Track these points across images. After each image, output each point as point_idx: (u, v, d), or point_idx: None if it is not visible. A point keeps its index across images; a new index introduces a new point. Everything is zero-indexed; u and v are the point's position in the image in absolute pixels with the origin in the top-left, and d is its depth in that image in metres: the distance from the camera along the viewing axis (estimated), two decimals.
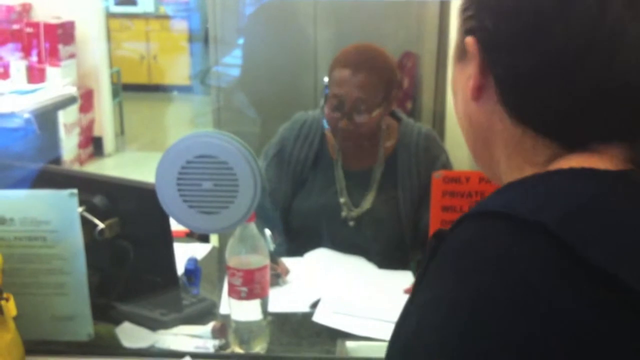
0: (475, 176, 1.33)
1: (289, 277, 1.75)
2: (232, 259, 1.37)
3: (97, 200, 1.43)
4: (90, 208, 1.41)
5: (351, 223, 1.94)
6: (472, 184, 1.33)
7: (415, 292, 0.67)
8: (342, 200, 1.95)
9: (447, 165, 1.96)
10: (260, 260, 1.38)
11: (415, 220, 1.91)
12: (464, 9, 0.75)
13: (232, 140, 1.28)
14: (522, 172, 0.70)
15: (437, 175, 1.34)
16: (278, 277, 1.71)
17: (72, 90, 4.01)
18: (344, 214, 1.94)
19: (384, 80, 1.88)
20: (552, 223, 0.59)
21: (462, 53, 0.75)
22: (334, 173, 1.97)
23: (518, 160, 0.72)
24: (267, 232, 1.85)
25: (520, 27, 0.68)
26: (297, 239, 1.97)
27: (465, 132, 0.79)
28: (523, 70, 0.68)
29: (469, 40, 0.72)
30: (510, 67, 0.69)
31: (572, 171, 0.66)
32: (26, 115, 3.21)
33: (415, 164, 1.93)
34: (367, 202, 1.94)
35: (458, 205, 1.33)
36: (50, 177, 1.55)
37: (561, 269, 0.57)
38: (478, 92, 0.73)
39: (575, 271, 0.57)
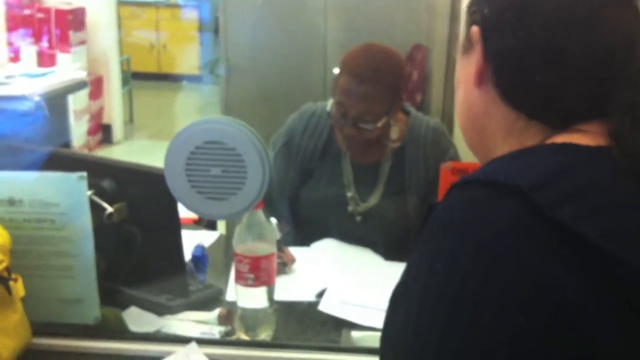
0: None
1: (295, 266, 1.75)
2: (240, 246, 1.37)
3: (106, 184, 1.43)
4: (99, 192, 1.42)
5: (358, 218, 1.94)
6: None
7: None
8: (349, 194, 1.94)
9: (455, 158, 1.95)
10: (267, 247, 1.38)
11: (422, 214, 1.91)
12: (470, 6, 0.82)
13: (241, 126, 1.28)
14: None
15: (446, 166, 1.34)
16: (284, 265, 1.72)
17: (83, 75, 4.02)
18: (350, 208, 1.94)
19: (390, 88, 1.85)
20: (526, 186, 0.64)
21: (466, 47, 0.81)
22: (342, 165, 1.96)
23: (512, 142, 0.77)
24: (274, 221, 1.86)
25: (508, 8, 0.75)
26: (303, 229, 1.97)
27: (464, 123, 0.84)
28: (511, 49, 0.75)
29: (474, 29, 0.78)
30: (500, 47, 0.75)
31: (551, 145, 0.72)
32: (36, 99, 3.22)
33: (423, 158, 1.92)
34: (375, 197, 1.94)
35: None
36: (60, 160, 1.55)
37: (531, 227, 0.63)
38: (480, 78, 0.78)
39: (544, 229, 0.62)
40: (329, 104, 1.92)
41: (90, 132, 5.84)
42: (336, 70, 1.92)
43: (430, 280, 0.65)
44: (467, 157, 2.26)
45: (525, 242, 0.62)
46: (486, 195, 0.66)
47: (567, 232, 0.62)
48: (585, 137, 0.72)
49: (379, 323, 1.46)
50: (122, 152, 6.03)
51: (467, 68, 0.80)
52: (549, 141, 0.73)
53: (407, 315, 0.66)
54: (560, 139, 0.72)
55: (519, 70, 0.75)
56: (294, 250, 1.80)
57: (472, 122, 0.82)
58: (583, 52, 0.72)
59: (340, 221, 1.93)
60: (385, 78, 1.84)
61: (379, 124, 1.84)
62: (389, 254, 1.84)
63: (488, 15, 0.77)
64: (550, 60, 0.73)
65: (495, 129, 0.78)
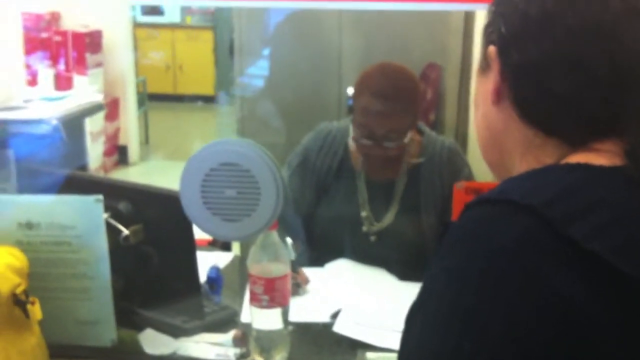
0: None
1: (309, 287, 1.75)
2: (254, 267, 1.38)
3: (122, 206, 1.45)
4: (115, 214, 1.43)
5: (372, 237, 1.94)
6: None
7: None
8: (363, 214, 1.94)
9: (469, 178, 1.95)
10: (281, 268, 1.38)
11: (438, 233, 1.90)
12: (486, 27, 0.82)
13: (255, 148, 1.29)
14: None
15: (459, 186, 1.34)
16: (298, 286, 1.72)
17: (99, 98, 4.07)
18: (365, 228, 1.94)
19: (411, 104, 1.87)
20: (538, 203, 0.65)
21: (484, 66, 0.82)
22: (357, 184, 1.97)
23: (530, 160, 0.77)
24: (289, 240, 1.86)
25: (526, 25, 0.75)
26: (318, 248, 1.97)
27: (483, 141, 0.85)
28: (530, 62, 0.74)
29: (491, 48, 0.79)
30: (519, 61, 0.75)
31: (566, 165, 0.73)
32: (54, 122, 3.26)
33: (438, 177, 1.92)
34: (389, 217, 1.94)
35: None
36: (77, 183, 1.57)
37: (540, 241, 0.64)
38: (498, 96, 0.79)
39: (554, 244, 0.63)
40: (348, 127, 1.93)
41: (107, 154, 5.89)
42: (350, 90, 1.94)
43: (444, 295, 0.66)
44: (482, 175, 2.26)
45: (533, 254, 0.64)
46: (499, 213, 0.67)
47: (576, 247, 0.63)
48: (600, 157, 0.72)
49: (394, 344, 1.46)
50: (138, 172, 6.06)
51: (484, 87, 0.81)
52: (564, 161, 0.73)
53: (422, 330, 0.68)
54: (575, 158, 0.73)
55: (537, 82, 0.75)
56: (308, 271, 1.80)
57: (491, 140, 0.83)
58: (605, 64, 0.72)
59: (354, 240, 1.93)
60: (405, 95, 1.86)
61: (405, 140, 1.86)
62: (404, 274, 1.83)
63: (505, 32, 0.77)
64: (570, 71, 0.73)
65: (513, 146, 0.79)
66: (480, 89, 0.83)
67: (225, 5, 3.70)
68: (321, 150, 1.99)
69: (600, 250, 0.62)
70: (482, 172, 2.53)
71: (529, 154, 0.77)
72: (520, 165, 0.78)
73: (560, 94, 0.73)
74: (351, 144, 1.96)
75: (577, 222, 0.64)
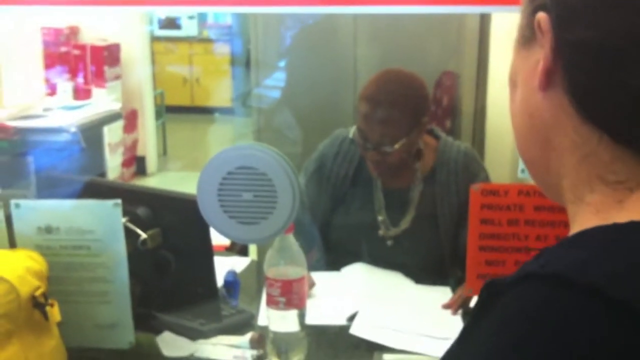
0: (514, 189, 1.33)
1: (323, 290, 1.76)
2: (271, 270, 1.39)
3: (140, 211, 1.46)
4: (134, 219, 1.44)
5: (389, 242, 1.94)
6: (510, 197, 1.32)
7: (464, 341, 0.59)
8: (380, 218, 1.95)
9: (486, 182, 1.94)
10: (298, 271, 1.39)
11: (455, 238, 1.91)
12: None
13: (272, 152, 1.30)
14: (592, 190, 0.60)
15: (476, 188, 1.34)
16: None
17: (117, 107, 4.12)
18: (381, 232, 1.94)
19: (406, 111, 1.85)
20: (632, 299, 0.50)
21: (527, 37, 0.64)
22: (373, 191, 1.97)
23: (588, 172, 0.60)
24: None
25: None
26: (334, 254, 1.97)
27: (521, 132, 0.67)
28: (598, 44, 0.56)
29: (541, 16, 0.60)
30: (582, 41, 0.57)
31: (630, 225, 0.56)
32: (73, 130, 3.30)
33: (454, 182, 1.92)
34: (406, 222, 1.94)
35: (497, 218, 1.33)
36: (95, 188, 1.59)
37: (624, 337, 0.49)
38: (547, 78, 0.60)
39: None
40: (352, 131, 1.95)
41: (125, 165, 5.93)
42: None
43: None
44: (499, 182, 2.26)
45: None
46: (575, 304, 0.51)
47: None
48: None
49: (411, 346, 1.47)
50: (155, 183, 6.10)
51: (526, 64, 0.64)
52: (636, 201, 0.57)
53: None
54: None
55: (607, 69, 0.56)
56: (325, 275, 1.81)
57: (532, 132, 0.64)
58: None
59: (371, 246, 1.94)
60: (399, 101, 1.85)
61: (396, 146, 1.84)
62: (421, 278, 1.84)
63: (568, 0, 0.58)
64: None
65: (564, 145, 0.61)
66: (520, 65, 0.65)
67: (238, 11, 3.71)
68: (337, 156, 2.00)
69: None
70: (500, 179, 2.53)
71: (588, 163, 0.59)
72: (574, 175, 0.61)
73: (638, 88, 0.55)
74: None
75: None
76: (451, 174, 1.92)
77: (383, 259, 1.90)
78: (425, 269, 1.87)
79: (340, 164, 1.99)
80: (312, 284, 1.76)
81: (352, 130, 1.94)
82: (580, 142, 0.59)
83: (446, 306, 1.68)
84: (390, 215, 1.95)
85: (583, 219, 0.60)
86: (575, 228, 0.61)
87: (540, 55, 0.61)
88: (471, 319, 0.59)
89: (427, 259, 1.91)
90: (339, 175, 1.99)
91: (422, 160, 1.94)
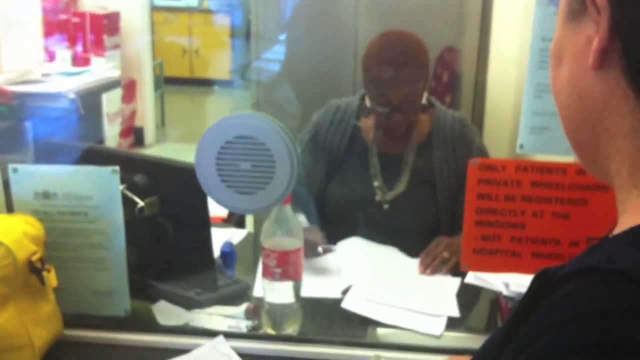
0: (511, 164, 1.33)
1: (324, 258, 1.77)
2: (267, 241, 1.39)
3: (138, 178, 1.46)
4: (131, 186, 1.44)
5: (386, 206, 1.96)
6: (508, 172, 1.32)
7: (511, 333, 0.56)
8: (376, 184, 1.97)
9: (482, 147, 1.97)
10: (294, 242, 1.39)
11: (453, 203, 1.92)
12: None
13: (270, 122, 1.30)
14: None
15: (474, 162, 1.34)
16: (316, 247, 1.78)
17: (116, 74, 4.09)
18: (378, 197, 1.96)
19: (421, 66, 1.90)
20: None
21: (577, 10, 0.60)
22: (368, 158, 1.99)
23: None
24: (302, 218, 1.88)
25: None
26: (331, 225, 1.98)
27: (568, 113, 0.64)
28: None
29: None
30: None
31: None
32: (72, 96, 3.29)
33: (451, 148, 1.94)
34: (402, 185, 1.96)
35: (494, 193, 1.33)
36: (94, 155, 1.59)
37: None
38: (602, 57, 0.57)
39: None
40: (356, 102, 1.96)
41: (123, 135, 5.92)
42: None
43: None
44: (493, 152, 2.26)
45: None
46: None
47: None
48: None
49: (401, 322, 1.47)
50: (153, 154, 6.08)
51: (575, 40, 0.60)
52: None
53: None
54: None
55: None
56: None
57: (582, 114, 0.61)
58: None
59: (368, 212, 1.96)
60: (415, 58, 1.88)
61: (423, 101, 1.90)
62: (418, 242, 1.84)
63: None
64: None
65: (618, 128, 0.58)
66: (567, 41, 0.61)
67: None
68: (331, 125, 2.02)
69: None
70: (499, 155, 2.52)
71: None
72: (633, 162, 0.58)
73: None
74: (362, 120, 1.98)
75: None
76: (447, 140, 1.95)
77: (380, 225, 1.92)
78: (422, 233, 1.89)
79: (335, 133, 2.01)
80: (328, 249, 1.81)
81: (355, 100, 1.95)
82: (638, 126, 0.56)
83: (422, 270, 1.73)
84: (386, 180, 1.98)
85: (637, 207, 0.57)
86: (626, 216, 0.58)
87: (593, 31, 0.57)
88: (519, 307, 0.57)
89: (424, 222, 1.94)
90: (334, 143, 2.01)
91: (418, 127, 1.95)
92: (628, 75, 0.55)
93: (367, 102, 1.94)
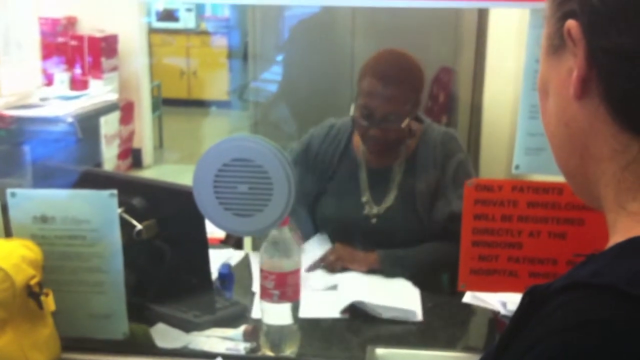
0: (507, 185, 1.34)
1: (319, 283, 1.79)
2: (265, 262, 1.39)
3: (136, 201, 1.46)
4: (129, 209, 1.44)
5: (373, 220, 1.99)
6: (504, 192, 1.33)
7: (503, 349, 0.58)
8: (364, 198, 2.00)
9: (464, 163, 1.97)
10: (292, 264, 1.39)
11: (430, 211, 1.94)
12: None
13: (267, 144, 1.30)
14: (634, 198, 0.59)
15: (469, 183, 1.34)
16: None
17: (114, 97, 4.11)
18: (365, 211, 1.98)
19: (413, 89, 1.92)
20: None
21: (557, 45, 0.63)
22: (358, 174, 2.00)
23: (630, 180, 0.59)
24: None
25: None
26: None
27: (557, 142, 0.66)
28: (637, 53, 0.55)
29: (571, 23, 0.59)
30: (621, 50, 0.56)
31: None
32: (70, 120, 3.30)
33: (432, 158, 1.97)
34: (389, 199, 1.99)
35: (490, 213, 1.34)
36: (91, 178, 1.59)
37: None
38: (583, 87, 0.60)
39: None
40: (350, 121, 1.99)
41: (121, 156, 5.92)
42: None
43: None
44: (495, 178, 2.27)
45: None
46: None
47: None
48: None
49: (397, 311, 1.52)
50: (151, 176, 6.08)
51: (558, 72, 0.63)
52: None
53: None
54: None
55: None
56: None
57: (570, 141, 0.64)
58: None
59: (356, 225, 1.99)
60: (408, 80, 1.91)
61: (403, 124, 1.90)
62: None
63: (599, 6, 0.57)
64: None
65: (603, 153, 0.60)
66: (551, 74, 0.64)
67: (236, 3, 3.72)
68: (325, 138, 2.06)
69: None
70: (496, 176, 2.53)
71: (628, 173, 0.59)
72: (618, 184, 0.60)
73: None
74: (355, 135, 2.02)
75: None
76: (430, 153, 1.97)
77: (368, 237, 1.95)
78: (408, 245, 1.91)
79: (327, 147, 2.05)
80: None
81: (352, 109, 1.97)
82: (620, 150, 0.59)
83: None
84: (374, 195, 2.00)
85: (625, 227, 0.59)
86: (616, 236, 0.60)
87: (573, 63, 0.60)
88: (511, 325, 0.59)
89: (409, 235, 1.95)
90: (326, 156, 2.03)
91: (406, 142, 1.97)
92: (606, 101, 0.58)
93: (351, 111, 1.95)
